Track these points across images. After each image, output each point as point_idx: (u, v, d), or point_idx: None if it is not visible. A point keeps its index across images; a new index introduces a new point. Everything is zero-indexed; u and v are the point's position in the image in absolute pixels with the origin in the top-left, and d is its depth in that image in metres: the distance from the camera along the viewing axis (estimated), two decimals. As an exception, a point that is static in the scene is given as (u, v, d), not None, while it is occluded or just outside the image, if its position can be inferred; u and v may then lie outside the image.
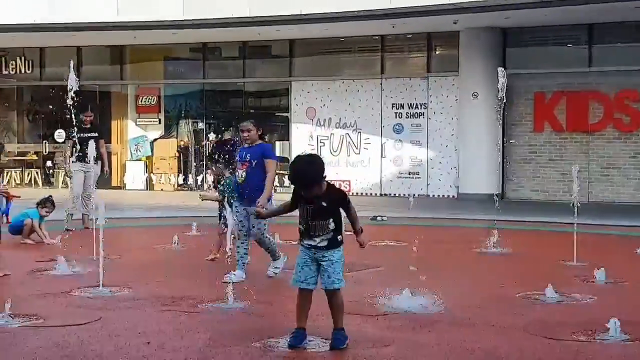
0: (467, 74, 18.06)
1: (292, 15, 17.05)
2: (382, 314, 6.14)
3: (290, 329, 5.16)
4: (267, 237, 7.76)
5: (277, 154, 21.25)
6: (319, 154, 16.11)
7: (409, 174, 18.88)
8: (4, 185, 7.39)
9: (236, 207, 7.65)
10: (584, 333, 5.46)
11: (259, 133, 7.71)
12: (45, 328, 5.59)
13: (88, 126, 12.02)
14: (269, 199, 7.53)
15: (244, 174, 7.52)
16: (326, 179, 5.18)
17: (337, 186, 5.59)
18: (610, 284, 7.53)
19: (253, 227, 7.57)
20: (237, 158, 7.68)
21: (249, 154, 7.58)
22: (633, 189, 17.30)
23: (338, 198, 5.21)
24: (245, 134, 7.64)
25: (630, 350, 5.12)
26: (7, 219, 11.25)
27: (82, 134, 11.66)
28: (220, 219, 8.75)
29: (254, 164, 7.53)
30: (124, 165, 21.73)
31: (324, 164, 5.21)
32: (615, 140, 17.45)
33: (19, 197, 12.01)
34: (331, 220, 5.14)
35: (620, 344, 5.22)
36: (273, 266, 7.87)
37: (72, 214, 11.69)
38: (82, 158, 11.59)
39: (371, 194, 19.11)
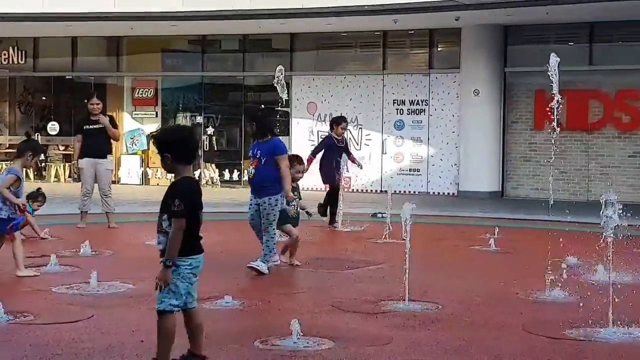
0: (468, 71, 17.98)
1: (293, 8, 16.94)
2: (381, 312, 6.08)
3: (285, 327, 5.05)
4: (272, 231, 7.69)
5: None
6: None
7: (410, 170, 18.80)
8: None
9: (250, 200, 7.83)
10: (583, 331, 5.42)
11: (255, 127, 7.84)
12: (36, 326, 5.48)
13: (97, 117, 11.09)
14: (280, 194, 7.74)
15: (253, 171, 7.70)
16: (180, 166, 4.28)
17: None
18: (609, 283, 7.44)
19: (262, 218, 7.63)
20: (250, 154, 7.90)
21: (259, 151, 7.69)
22: (632, 188, 17.23)
23: (168, 191, 4.26)
24: (249, 129, 8.11)
25: (627, 349, 5.07)
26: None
27: (89, 126, 11.05)
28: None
29: (263, 161, 7.63)
30: (119, 158, 21.58)
31: (178, 138, 4.32)
32: (615, 139, 17.40)
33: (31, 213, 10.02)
34: (166, 217, 4.25)
35: (617, 343, 5.19)
36: (260, 261, 7.65)
37: (86, 212, 11.10)
38: (90, 153, 10.98)
39: (372, 190, 19.02)
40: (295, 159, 8.40)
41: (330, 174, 11.88)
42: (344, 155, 12.06)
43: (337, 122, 12.18)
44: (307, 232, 11.32)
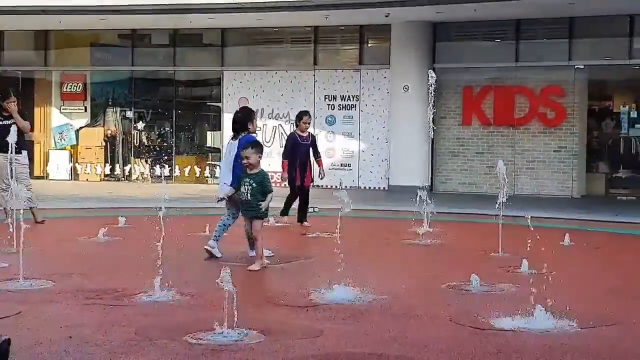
0: (398, 67, 18.20)
1: (225, 3, 16.88)
2: (311, 305, 6.13)
3: (217, 322, 5.06)
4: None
5: (209, 144, 21.13)
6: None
7: (341, 165, 18.95)
8: None
9: None
10: (508, 322, 5.55)
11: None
12: (-38, 322, 5.38)
13: (9, 113, 11.15)
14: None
15: None
16: None
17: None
18: (534, 275, 7.68)
19: None
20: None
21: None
22: (557, 182, 17.73)
23: None
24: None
25: (552, 340, 5.22)
26: None
27: (2, 122, 11.02)
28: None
29: None
30: (47, 154, 21.19)
31: None
32: (540, 134, 17.85)
33: None
34: None
35: (542, 333, 5.32)
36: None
37: (5, 208, 10.82)
38: (2, 148, 10.85)
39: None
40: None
41: (291, 174, 11.32)
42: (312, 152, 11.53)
43: (299, 116, 11.62)
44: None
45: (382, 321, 5.68)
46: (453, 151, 18.44)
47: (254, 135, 8.54)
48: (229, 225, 8.43)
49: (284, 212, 11.53)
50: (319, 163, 11.60)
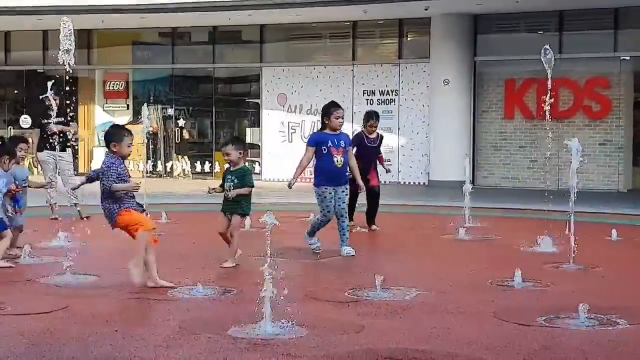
0: (438, 61, 18.07)
1: (263, 0, 16.94)
2: (353, 301, 6.11)
3: (259, 316, 5.08)
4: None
5: (248, 140, 21.20)
6: (290, 141, 15.87)
7: (380, 160, 18.91)
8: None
9: (329, 190, 8.30)
10: (554, 319, 5.47)
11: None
12: (10, 316, 5.47)
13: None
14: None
15: (342, 159, 8.38)
16: None
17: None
18: (580, 270, 7.58)
19: (341, 204, 8.37)
20: (330, 144, 8.30)
21: (342, 141, 8.37)
22: (602, 176, 17.46)
23: None
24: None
25: (599, 336, 5.14)
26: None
27: (47, 120, 11.22)
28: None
29: (346, 151, 8.43)
30: (92, 151, 21.50)
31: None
32: (585, 127, 17.59)
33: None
34: None
35: (588, 330, 5.24)
36: (348, 247, 8.34)
37: (56, 203, 11.12)
38: (49, 146, 11.14)
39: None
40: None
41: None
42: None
43: (365, 119, 10.93)
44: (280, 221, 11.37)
45: (425, 317, 5.64)
46: (495, 145, 18.27)
47: (335, 133, 8.36)
48: (324, 223, 8.42)
49: (349, 217, 10.65)
50: (380, 160, 11.06)
